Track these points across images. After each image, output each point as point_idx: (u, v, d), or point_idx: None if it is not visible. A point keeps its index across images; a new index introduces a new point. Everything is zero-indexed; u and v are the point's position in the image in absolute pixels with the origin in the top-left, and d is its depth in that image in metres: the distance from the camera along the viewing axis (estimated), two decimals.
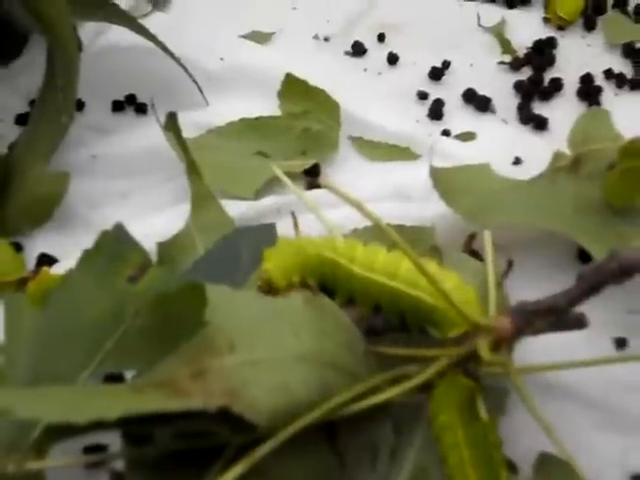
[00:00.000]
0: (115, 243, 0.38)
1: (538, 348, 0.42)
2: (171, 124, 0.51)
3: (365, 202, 0.36)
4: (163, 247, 0.48)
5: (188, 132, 0.55)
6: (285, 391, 0.34)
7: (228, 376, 0.33)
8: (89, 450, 0.41)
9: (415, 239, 0.45)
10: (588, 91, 0.61)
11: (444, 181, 0.49)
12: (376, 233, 0.44)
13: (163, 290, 0.36)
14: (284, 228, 0.47)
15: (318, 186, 0.54)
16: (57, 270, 0.48)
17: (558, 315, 0.38)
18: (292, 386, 0.34)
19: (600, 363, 0.42)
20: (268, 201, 0.52)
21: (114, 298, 0.37)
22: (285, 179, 0.49)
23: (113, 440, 0.38)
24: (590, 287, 0.37)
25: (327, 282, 0.42)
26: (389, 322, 0.41)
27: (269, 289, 0.40)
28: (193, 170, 0.52)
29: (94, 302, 0.37)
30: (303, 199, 0.49)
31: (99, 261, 0.38)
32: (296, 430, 0.34)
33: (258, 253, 0.42)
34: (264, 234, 0.47)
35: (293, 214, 0.47)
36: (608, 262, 0.37)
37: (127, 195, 0.56)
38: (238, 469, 0.31)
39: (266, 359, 0.35)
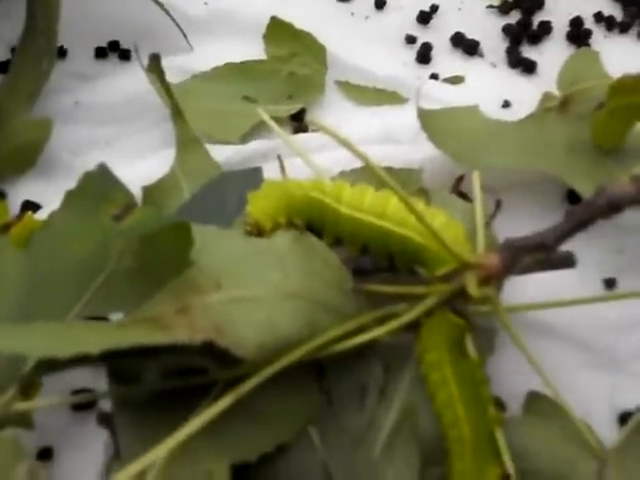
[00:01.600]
0: (98, 183, 0.38)
1: (528, 289, 0.43)
2: (154, 66, 0.50)
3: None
4: (148, 191, 0.48)
5: (173, 77, 0.54)
6: (271, 328, 0.34)
7: (214, 312, 0.33)
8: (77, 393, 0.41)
9: (403, 181, 0.45)
10: (577, 34, 0.60)
11: (432, 123, 0.48)
12: (364, 175, 0.44)
13: (149, 229, 0.36)
14: (271, 172, 0.47)
15: (305, 130, 0.54)
16: (41, 216, 0.47)
17: (547, 252, 0.38)
18: (279, 323, 0.34)
19: (588, 302, 0.42)
20: (254, 145, 0.52)
21: (99, 238, 0.37)
22: (271, 123, 0.49)
23: (101, 385, 0.38)
24: (579, 223, 0.37)
25: (314, 223, 0.41)
26: (377, 262, 0.41)
27: (257, 232, 0.40)
28: (178, 115, 0.52)
29: (78, 243, 0.37)
30: (290, 143, 0.48)
31: (83, 201, 0.38)
32: (283, 366, 0.34)
33: (244, 197, 0.42)
34: (250, 178, 0.46)
35: (280, 158, 0.47)
36: (597, 197, 0.37)
37: (111, 142, 0.55)
38: (224, 402, 0.32)
39: (252, 297, 0.35)
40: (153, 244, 0.36)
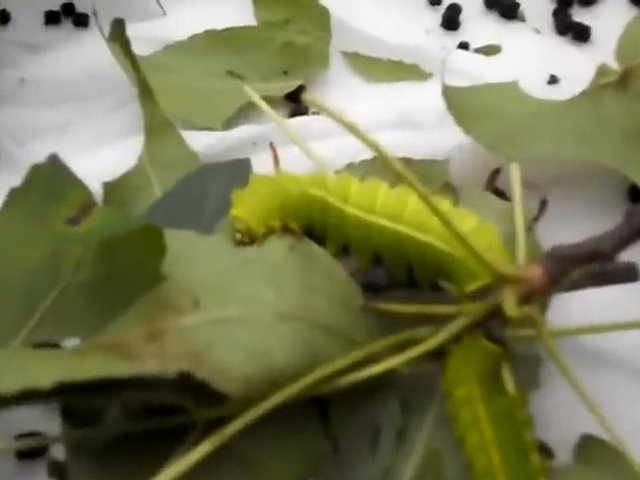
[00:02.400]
0: (49, 178, 0.38)
1: (577, 307, 0.43)
2: (117, 34, 0.51)
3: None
4: (111, 188, 0.48)
5: (141, 48, 0.54)
6: (263, 356, 0.34)
7: (191, 337, 0.33)
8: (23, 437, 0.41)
9: (424, 175, 0.45)
10: None
11: (461, 103, 0.48)
12: (376, 167, 0.44)
13: (111, 235, 0.36)
14: (261, 164, 0.47)
15: (303, 113, 0.54)
16: None
17: (603, 263, 0.38)
18: (272, 350, 0.35)
19: None
20: (241, 132, 0.52)
21: (50, 246, 0.37)
22: (262, 104, 0.49)
23: (52, 428, 0.39)
24: None
25: (315, 228, 0.42)
26: (392, 275, 0.41)
27: (250, 240, 0.40)
28: (147, 95, 0.52)
29: (25, 252, 0.37)
30: (285, 129, 0.49)
31: (30, 200, 0.38)
32: (277, 404, 0.34)
33: (228, 195, 0.42)
34: (236, 172, 0.47)
35: (272, 146, 0.47)
36: None
37: (65, 127, 0.55)
38: (204, 448, 0.32)
39: (239, 317, 0.35)
40: (116, 253, 0.36)
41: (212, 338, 0.34)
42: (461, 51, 0.58)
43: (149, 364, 0.32)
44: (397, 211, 0.40)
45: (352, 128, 0.36)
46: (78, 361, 0.32)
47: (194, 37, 0.58)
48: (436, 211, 0.37)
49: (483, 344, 0.38)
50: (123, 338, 0.33)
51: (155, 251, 0.36)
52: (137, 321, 0.34)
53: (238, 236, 0.40)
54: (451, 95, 0.49)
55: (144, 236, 0.36)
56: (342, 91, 0.56)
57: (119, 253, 0.36)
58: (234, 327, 0.35)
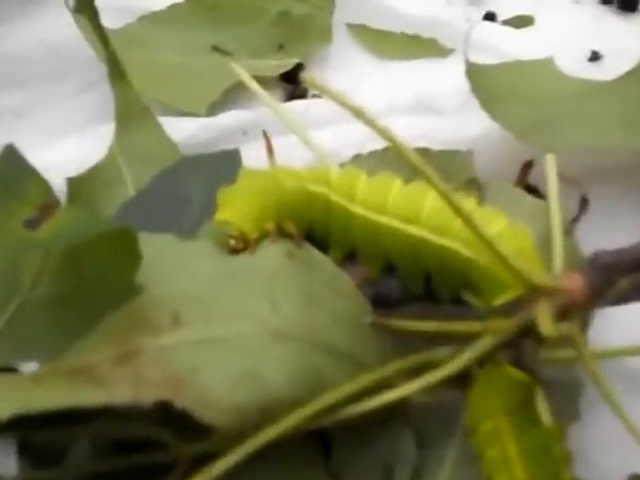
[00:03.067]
0: (4, 173, 0.38)
1: (623, 323, 0.43)
2: (83, 3, 0.51)
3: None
4: (76, 184, 0.48)
5: (111, 20, 0.54)
6: (256, 381, 0.34)
7: (170, 359, 0.33)
8: None
9: (445, 169, 0.45)
10: None
11: (488, 84, 0.49)
12: (388, 160, 0.45)
13: (77, 240, 0.36)
14: (253, 157, 0.47)
15: (302, 96, 0.54)
16: None
17: None
18: (265, 374, 0.35)
19: None
20: (229, 118, 0.52)
21: (5, 253, 0.37)
22: (254, 85, 0.49)
23: (8, 467, 0.39)
24: None
25: (316, 230, 0.42)
26: (407, 286, 0.41)
27: (243, 246, 0.40)
28: (118, 74, 0.52)
29: None
30: (280, 114, 0.49)
31: None
32: (272, 438, 0.34)
33: (214, 193, 0.42)
34: (223, 165, 0.47)
35: (266, 135, 0.47)
36: None
37: (21, 113, 0.56)
38: None
39: (227, 336, 0.35)
40: (83, 262, 0.36)
41: (195, 361, 0.34)
42: (487, 23, 0.58)
43: (121, 391, 0.32)
44: (413, 211, 0.40)
45: (359, 113, 0.36)
46: (37, 388, 0.32)
47: (173, 6, 0.58)
48: (459, 211, 0.37)
49: (511, 372, 0.38)
50: (90, 361, 0.33)
51: (128, 259, 0.36)
52: (107, 341, 0.34)
53: (232, 242, 0.40)
54: (476, 74, 0.49)
55: (115, 241, 0.36)
56: (348, 70, 0.56)
57: (86, 262, 0.36)
58: (221, 348, 0.35)
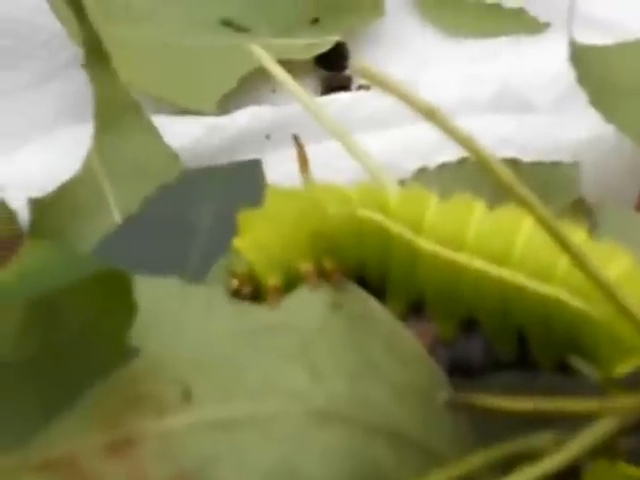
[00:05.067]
0: None
1: None
2: None
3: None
4: (41, 207, 0.48)
5: None
6: (291, 477, 0.34)
7: (179, 448, 0.34)
8: None
9: (543, 187, 0.45)
10: None
11: (599, 72, 0.49)
12: (465, 175, 0.45)
13: (50, 286, 0.36)
14: (280, 169, 0.47)
15: (344, 86, 0.55)
16: None
17: None
18: (305, 468, 0.35)
19: None
20: (246, 117, 0.53)
21: None
22: (279, 73, 0.49)
23: None
24: None
25: (369, 272, 0.42)
26: (494, 349, 0.42)
27: (252, 291, 0.41)
28: (98, 58, 0.52)
29: None
30: (316, 112, 0.49)
31: None
32: None
33: (230, 218, 0.42)
34: (241, 181, 0.47)
35: (297, 141, 0.48)
36: None
37: None
38: None
39: (253, 417, 0.35)
40: (59, 315, 0.36)
41: (212, 450, 0.34)
42: None
43: None
44: (502, 247, 0.40)
45: (425, 111, 0.36)
46: None
47: None
48: (565, 246, 0.37)
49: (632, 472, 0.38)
50: (73, 450, 0.33)
51: (120, 311, 0.36)
52: (94, 422, 0.34)
53: (234, 283, 0.40)
54: (582, 58, 0.49)
55: (102, 288, 0.36)
56: (407, 52, 0.57)
57: (63, 315, 0.37)
58: (245, 433, 0.35)
